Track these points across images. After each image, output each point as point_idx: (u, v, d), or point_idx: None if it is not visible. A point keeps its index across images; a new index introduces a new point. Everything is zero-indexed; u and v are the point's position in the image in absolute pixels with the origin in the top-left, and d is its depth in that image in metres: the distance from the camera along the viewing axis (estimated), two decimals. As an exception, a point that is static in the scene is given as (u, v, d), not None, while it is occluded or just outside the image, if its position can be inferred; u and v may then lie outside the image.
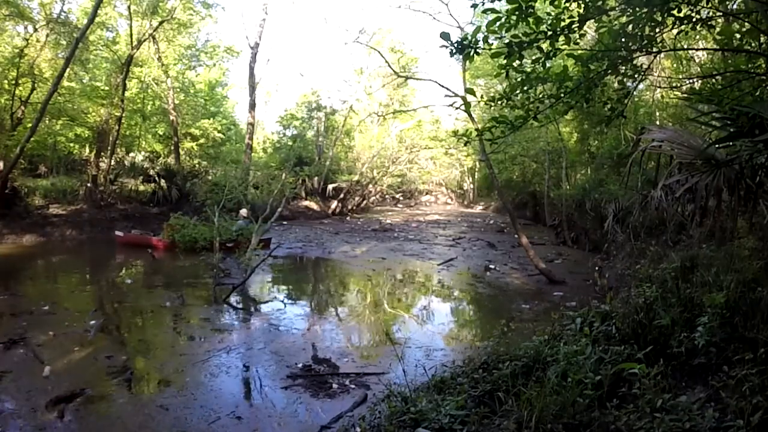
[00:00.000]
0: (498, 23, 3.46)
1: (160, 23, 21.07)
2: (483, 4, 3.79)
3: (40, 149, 20.04)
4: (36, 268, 13.12)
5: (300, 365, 6.42)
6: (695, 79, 9.96)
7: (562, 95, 3.73)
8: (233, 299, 9.74)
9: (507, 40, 3.48)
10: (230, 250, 12.62)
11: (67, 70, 16.97)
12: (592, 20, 3.55)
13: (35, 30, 18.53)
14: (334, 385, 5.85)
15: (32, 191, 17.97)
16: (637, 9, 3.37)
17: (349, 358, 6.86)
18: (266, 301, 10.12)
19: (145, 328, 8.41)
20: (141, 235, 16.12)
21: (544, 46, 3.59)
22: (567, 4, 3.48)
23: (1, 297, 9.55)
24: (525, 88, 3.65)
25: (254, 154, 29.47)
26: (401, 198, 42.00)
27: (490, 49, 3.58)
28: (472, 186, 42.86)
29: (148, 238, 15.73)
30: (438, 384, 4.51)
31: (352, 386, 5.86)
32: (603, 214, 12.36)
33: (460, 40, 3.62)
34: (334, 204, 29.54)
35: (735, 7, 8.05)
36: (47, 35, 18.61)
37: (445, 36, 3.55)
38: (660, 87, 14.62)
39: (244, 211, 15.62)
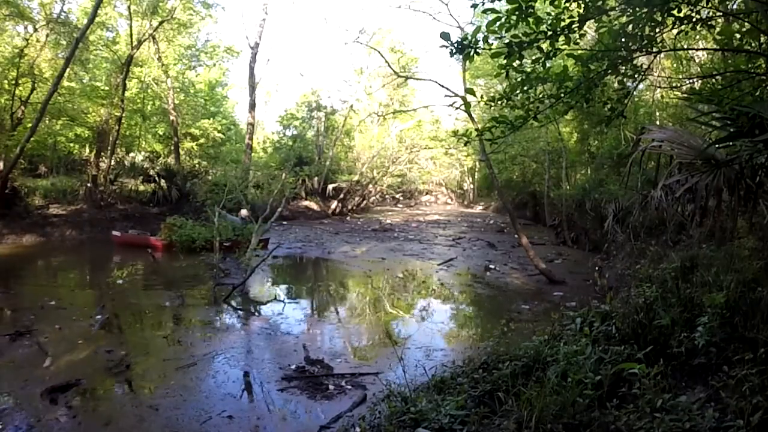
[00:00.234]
0: (498, 23, 3.46)
1: (160, 23, 21.07)
2: (483, 4, 3.80)
3: (40, 149, 20.03)
4: (36, 268, 13.13)
5: (293, 366, 6.40)
6: (695, 79, 9.96)
7: (562, 95, 3.73)
8: (233, 299, 9.74)
9: (507, 40, 3.48)
10: (229, 249, 12.61)
11: (67, 70, 16.97)
12: (592, 20, 3.55)
13: (35, 30, 18.52)
14: (330, 386, 5.84)
15: (32, 191, 17.97)
16: (637, 9, 3.37)
17: (344, 358, 6.86)
18: (265, 302, 10.11)
19: (145, 328, 8.41)
20: (138, 235, 16.11)
21: (544, 46, 3.59)
22: (567, 4, 3.48)
23: (5, 294, 9.67)
24: (525, 88, 3.65)
25: (254, 154, 29.46)
26: (401, 198, 42.01)
27: (490, 49, 3.58)
28: (472, 186, 42.86)
29: (146, 238, 15.72)
30: (438, 384, 4.51)
31: (349, 387, 5.85)
32: (603, 214, 12.36)
33: (460, 40, 3.61)
34: (334, 204, 29.54)
35: (735, 7, 8.05)
36: (47, 35, 18.61)
37: (445, 36, 3.55)
38: (660, 87, 14.62)
39: (244, 212, 15.61)
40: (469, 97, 4.58)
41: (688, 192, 5.15)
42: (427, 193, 45.94)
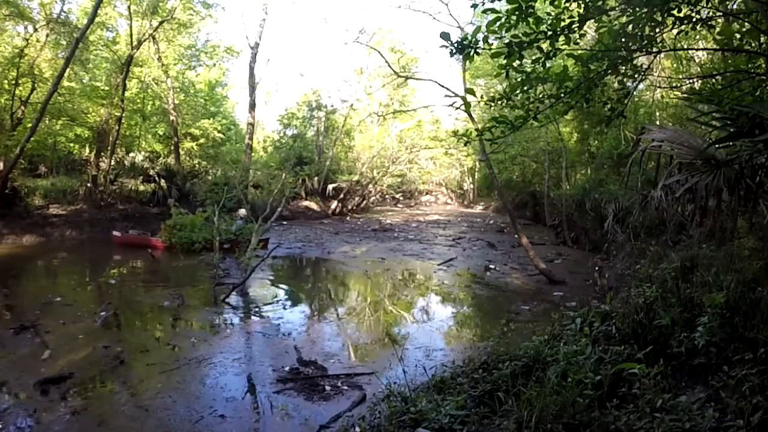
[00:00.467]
0: (498, 23, 3.46)
1: (160, 23, 21.07)
2: (483, 4, 3.80)
3: (40, 149, 20.01)
4: (36, 268, 13.15)
5: (287, 368, 6.37)
6: (695, 79, 9.96)
7: (562, 95, 3.73)
8: (232, 300, 9.73)
9: (507, 40, 3.48)
10: (229, 250, 12.61)
11: (67, 70, 16.96)
12: (592, 20, 3.55)
13: (35, 30, 18.52)
14: (327, 387, 5.82)
15: (32, 191, 17.95)
16: (637, 9, 3.37)
17: (338, 359, 6.83)
18: (265, 302, 10.11)
19: (144, 326, 8.41)
20: (139, 236, 16.12)
21: (544, 46, 3.59)
22: (567, 4, 3.48)
23: (8, 292, 9.77)
24: (525, 88, 3.65)
25: (254, 153, 29.46)
26: (401, 198, 42.01)
27: (490, 49, 3.58)
28: (472, 186, 42.86)
29: (146, 238, 15.73)
30: (438, 384, 4.51)
31: (345, 387, 5.83)
32: (603, 214, 12.36)
33: (460, 40, 3.61)
34: (334, 204, 29.54)
35: (735, 7, 8.05)
36: (47, 35, 18.61)
37: (445, 36, 3.55)
38: (660, 87, 14.61)
39: (242, 211, 15.60)
40: (469, 97, 4.58)
41: (688, 192, 5.15)
42: (427, 193, 45.95)
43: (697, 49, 12.38)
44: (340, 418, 4.97)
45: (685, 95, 8.59)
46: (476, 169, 39.64)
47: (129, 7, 20.22)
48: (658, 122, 14.04)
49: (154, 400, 5.36)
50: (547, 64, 3.74)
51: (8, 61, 17.28)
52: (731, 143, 4.51)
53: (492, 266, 13.98)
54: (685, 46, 10.64)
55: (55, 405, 5.15)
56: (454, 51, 3.61)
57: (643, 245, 8.18)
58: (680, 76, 13.29)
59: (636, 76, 3.96)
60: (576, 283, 11.50)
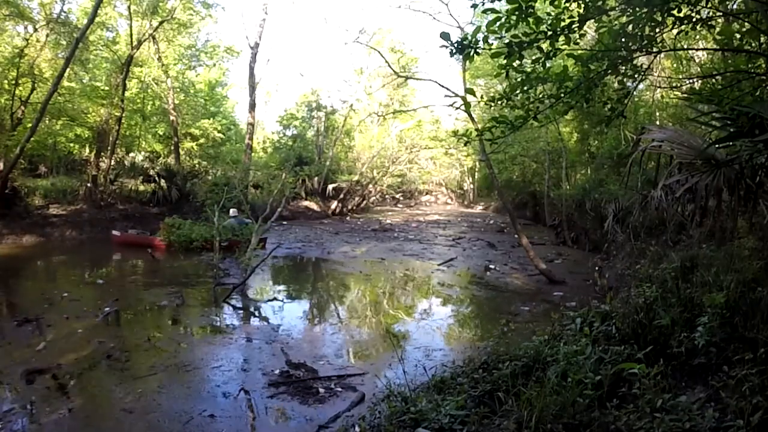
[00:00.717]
0: (498, 23, 3.46)
1: (160, 23, 21.05)
2: (483, 4, 3.80)
3: (40, 149, 20.01)
4: (37, 268, 13.15)
5: (285, 370, 6.34)
6: (695, 79, 9.97)
7: (562, 95, 3.73)
8: (232, 300, 9.73)
9: (507, 40, 3.48)
10: (227, 249, 12.61)
11: (67, 70, 16.96)
12: (592, 20, 3.55)
13: (35, 30, 18.51)
14: (320, 389, 5.75)
15: (32, 191, 17.94)
16: (637, 9, 3.37)
17: (339, 359, 6.82)
18: (264, 303, 10.10)
19: (143, 325, 8.35)
20: (138, 235, 16.15)
21: (544, 46, 3.59)
22: (567, 4, 3.48)
23: (9, 291, 9.91)
24: (525, 88, 3.65)
25: (254, 154, 29.45)
26: (401, 198, 42.00)
27: (490, 49, 3.58)
28: (472, 186, 42.85)
29: (146, 237, 15.74)
30: (438, 384, 4.51)
31: (339, 389, 5.78)
32: (603, 214, 12.36)
33: (460, 40, 3.61)
34: (334, 204, 29.53)
35: (735, 7, 8.05)
36: (47, 35, 18.59)
37: (445, 36, 3.55)
38: (660, 87, 14.62)
39: (233, 211, 15.59)
40: (469, 97, 4.58)
41: (688, 192, 5.15)
42: (427, 193, 45.94)
43: (697, 49, 12.38)
44: (339, 418, 4.97)
45: (685, 95, 8.59)
46: (476, 169, 39.63)
47: (129, 7, 20.21)
48: (658, 122, 14.04)
49: (139, 401, 5.30)
50: (547, 64, 3.74)
51: (8, 61, 17.26)
52: (731, 143, 4.51)
53: (492, 266, 13.97)
54: (685, 46, 10.64)
55: (45, 397, 5.27)
56: (454, 51, 3.61)
57: (643, 245, 8.18)
58: (680, 76, 13.29)
59: (636, 76, 3.96)
60: (576, 283, 11.50)
